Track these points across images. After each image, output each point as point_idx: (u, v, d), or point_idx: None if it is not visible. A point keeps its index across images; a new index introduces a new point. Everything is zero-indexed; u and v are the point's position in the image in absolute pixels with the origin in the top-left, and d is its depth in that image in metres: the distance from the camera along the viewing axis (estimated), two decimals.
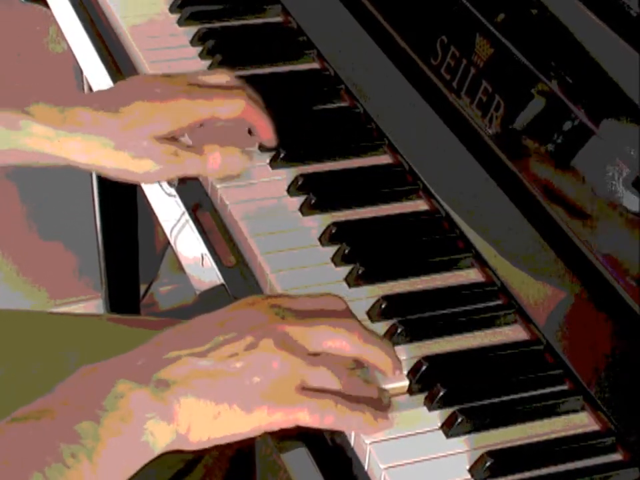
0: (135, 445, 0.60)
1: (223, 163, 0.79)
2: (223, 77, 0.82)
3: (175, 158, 0.78)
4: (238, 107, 0.79)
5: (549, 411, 0.70)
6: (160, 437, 0.61)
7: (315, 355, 0.66)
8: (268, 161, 0.86)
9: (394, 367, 0.68)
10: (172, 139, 0.79)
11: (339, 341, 0.66)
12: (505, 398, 0.70)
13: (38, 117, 0.78)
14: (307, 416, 0.64)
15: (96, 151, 0.78)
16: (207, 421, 0.62)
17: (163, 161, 0.78)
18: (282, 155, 0.86)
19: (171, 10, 1.01)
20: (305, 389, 0.65)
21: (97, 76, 0.98)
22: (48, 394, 0.61)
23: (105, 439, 0.59)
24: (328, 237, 0.80)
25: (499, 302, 0.77)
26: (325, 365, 0.65)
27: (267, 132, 0.82)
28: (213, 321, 0.66)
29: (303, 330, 0.65)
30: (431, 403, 0.69)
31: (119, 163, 0.78)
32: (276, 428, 0.64)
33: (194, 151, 0.79)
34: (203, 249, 0.82)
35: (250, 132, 0.84)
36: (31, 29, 1.42)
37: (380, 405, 0.67)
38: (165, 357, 0.63)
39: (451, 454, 0.67)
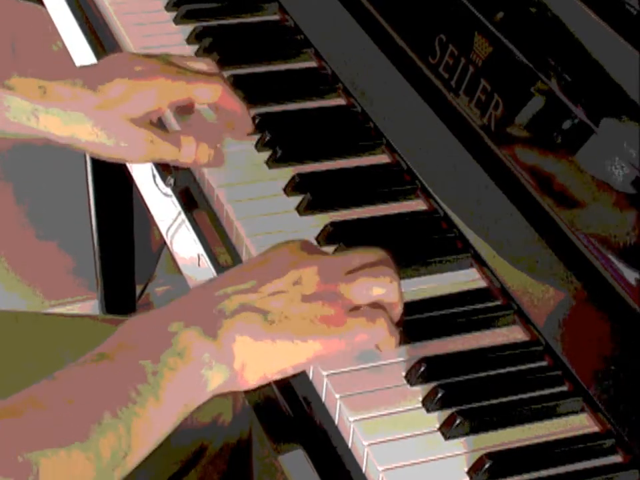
0: (194, 380, 0.62)
1: (198, 159, 0.82)
2: (202, 64, 0.84)
3: (151, 144, 0.80)
4: (215, 92, 0.81)
5: (548, 412, 0.70)
6: (215, 374, 0.62)
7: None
8: (264, 160, 0.86)
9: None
10: (151, 121, 0.81)
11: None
12: (503, 399, 0.70)
13: (18, 90, 0.79)
14: (360, 336, 0.65)
15: (72, 126, 0.79)
16: (262, 356, 0.63)
17: (138, 145, 0.80)
18: (279, 155, 0.86)
19: (167, 8, 1.01)
20: (350, 312, 0.66)
21: None
22: (102, 344, 0.63)
23: (167, 375, 0.61)
24: (325, 237, 0.80)
25: (498, 302, 0.76)
26: (364, 276, 0.67)
27: (244, 119, 0.85)
28: (252, 263, 0.68)
29: (337, 260, 0.68)
30: (429, 405, 0.69)
31: (94, 139, 0.79)
32: (333, 354, 0.65)
33: (170, 141, 0.81)
34: (199, 249, 0.82)
35: None
36: (27, 28, 1.41)
37: None
38: (215, 295, 0.65)
39: (450, 456, 0.67)
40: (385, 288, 0.67)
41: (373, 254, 0.69)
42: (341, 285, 0.66)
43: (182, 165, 0.83)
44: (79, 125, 0.79)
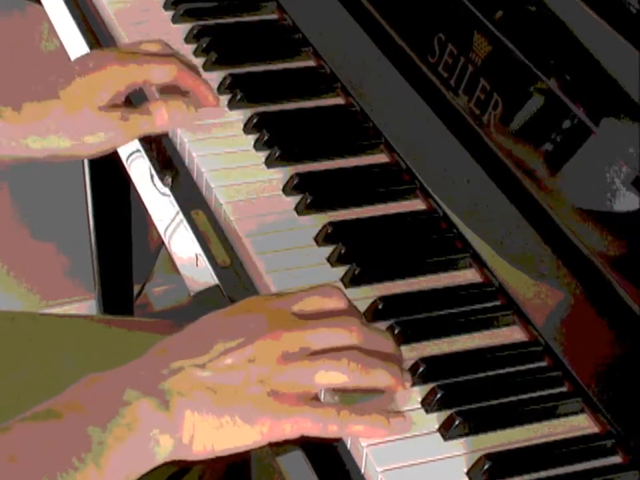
0: (141, 452, 0.61)
1: (169, 117, 0.84)
2: (154, 45, 0.87)
3: (124, 122, 0.83)
4: (170, 71, 0.84)
5: (547, 413, 0.69)
6: (164, 446, 0.62)
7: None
8: (263, 160, 0.86)
9: (398, 382, 0.67)
10: (117, 105, 0.84)
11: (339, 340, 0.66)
12: (503, 400, 0.70)
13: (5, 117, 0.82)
14: (310, 425, 0.64)
15: (51, 142, 0.82)
16: (210, 432, 0.63)
17: (113, 128, 0.82)
18: (277, 154, 0.85)
19: (165, 7, 1.01)
20: (309, 399, 0.65)
21: None
22: (55, 397, 0.62)
23: (112, 445, 0.60)
24: (324, 237, 0.79)
25: (497, 303, 0.76)
26: (327, 359, 0.65)
27: (205, 94, 0.87)
28: (213, 325, 0.67)
29: (302, 335, 0.65)
30: (428, 405, 0.69)
31: (73, 143, 0.83)
32: (280, 439, 0.64)
33: (140, 112, 0.84)
34: (198, 249, 0.82)
35: None
36: (23, 27, 1.41)
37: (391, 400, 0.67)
38: (168, 367, 0.64)
39: (449, 457, 0.67)
40: (345, 375, 0.65)
41: (345, 330, 0.66)
42: (299, 365, 0.64)
43: (160, 130, 0.85)
44: (57, 139, 0.82)
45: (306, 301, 0.68)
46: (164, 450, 0.62)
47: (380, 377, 0.66)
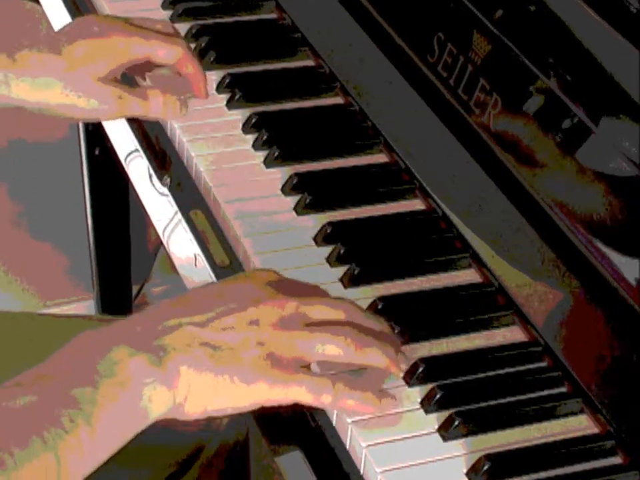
0: (133, 410, 0.60)
1: (164, 108, 0.83)
2: (162, 25, 0.86)
3: (120, 100, 0.82)
4: (175, 53, 0.83)
5: (547, 413, 0.69)
6: (157, 404, 0.61)
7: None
8: (262, 159, 0.86)
9: (393, 363, 0.67)
10: (116, 79, 0.83)
11: (335, 315, 0.66)
12: (502, 400, 0.70)
13: None
14: (304, 393, 0.64)
15: (44, 91, 0.82)
16: (205, 391, 0.62)
17: (107, 101, 0.82)
18: (276, 154, 0.85)
19: (164, 6, 1.01)
20: (306, 367, 0.65)
21: None
22: (46, 359, 0.61)
23: (103, 404, 0.59)
24: (323, 237, 0.79)
25: (497, 302, 0.76)
26: (325, 332, 0.65)
27: (200, 84, 0.86)
28: (214, 291, 0.67)
29: (303, 305, 0.66)
30: (427, 406, 0.69)
31: (65, 101, 0.82)
32: (273, 403, 0.64)
33: (138, 95, 0.83)
34: (196, 249, 0.82)
35: None
36: (22, 26, 1.41)
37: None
38: (165, 324, 0.63)
39: (448, 457, 0.66)
40: (341, 349, 0.65)
41: (341, 310, 0.67)
42: (297, 334, 0.64)
43: (151, 118, 0.85)
44: (50, 89, 0.81)
45: (302, 284, 0.68)
46: (157, 408, 0.61)
47: (375, 356, 0.66)
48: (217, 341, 0.63)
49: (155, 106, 0.83)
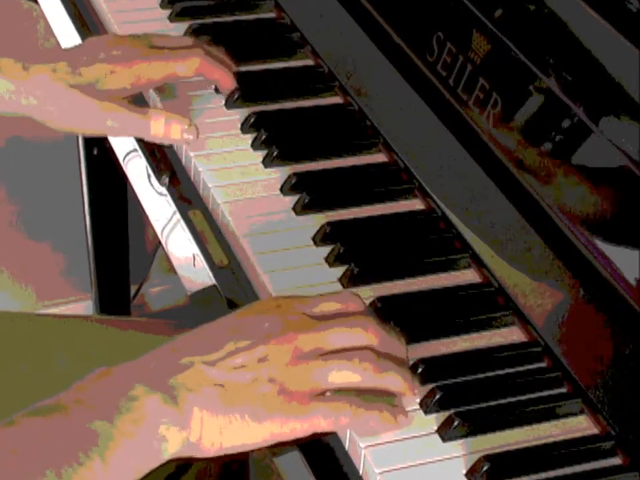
0: (147, 447, 0.61)
1: (166, 129, 0.84)
2: (183, 39, 0.89)
3: (121, 118, 0.83)
4: (191, 65, 0.85)
5: (547, 414, 0.69)
6: (172, 443, 0.61)
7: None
8: (261, 159, 0.86)
9: (408, 386, 0.67)
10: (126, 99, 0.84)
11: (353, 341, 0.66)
12: (502, 401, 0.69)
13: (3, 70, 0.83)
14: (321, 421, 0.64)
15: (50, 108, 0.83)
16: (218, 430, 0.62)
17: (110, 119, 0.83)
18: (275, 154, 0.85)
19: (162, 5, 1.00)
20: (318, 395, 0.64)
21: None
22: (61, 392, 0.61)
23: (118, 440, 0.59)
24: (322, 237, 0.79)
25: (496, 303, 0.76)
26: (340, 359, 0.65)
27: (225, 82, 0.88)
28: (227, 326, 0.66)
29: (316, 337, 0.65)
30: (427, 406, 0.68)
31: (67, 118, 0.83)
32: (291, 438, 0.64)
33: (139, 113, 0.84)
34: (195, 249, 0.81)
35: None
36: (19, 25, 1.41)
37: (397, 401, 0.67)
38: (179, 363, 0.63)
39: (448, 458, 0.66)
40: (359, 374, 0.64)
41: (359, 330, 0.66)
42: (310, 366, 0.64)
43: (154, 139, 0.85)
44: (53, 107, 0.82)
45: (322, 305, 0.67)
46: (172, 446, 0.61)
47: (392, 380, 0.66)
48: (228, 381, 0.63)
49: (157, 127, 0.83)
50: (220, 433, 0.62)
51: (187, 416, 0.62)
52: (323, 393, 0.65)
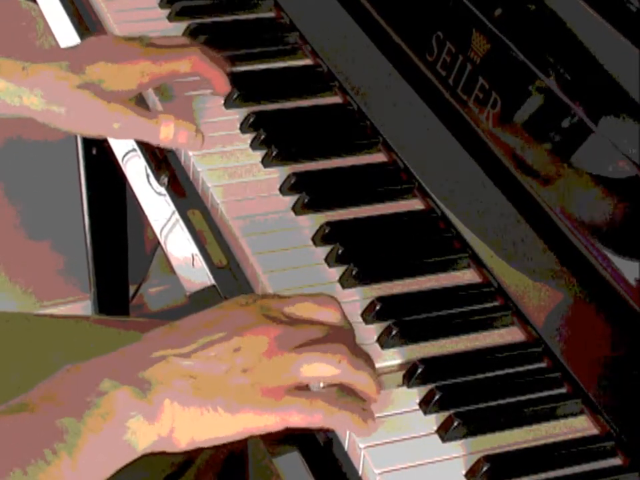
0: (116, 443, 0.60)
1: (175, 135, 0.83)
2: (179, 39, 0.89)
3: (129, 121, 0.82)
4: (191, 62, 0.85)
5: (547, 414, 0.69)
6: (142, 437, 0.61)
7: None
8: (260, 159, 0.85)
9: (377, 390, 0.67)
10: (131, 100, 0.84)
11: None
12: (502, 401, 0.69)
13: (2, 71, 0.82)
14: (295, 416, 0.63)
15: (52, 109, 0.82)
16: (190, 423, 0.62)
17: (118, 122, 0.82)
18: (274, 153, 0.85)
19: (161, 5, 1.00)
20: (292, 390, 0.64)
21: None
22: (30, 390, 0.61)
23: (86, 436, 0.59)
24: (321, 237, 0.79)
25: (496, 303, 0.76)
26: (314, 351, 0.64)
27: (219, 83, 0.88)
28: (200, 320, 0.66)
29: (291, 330, 0.65)
30: (426, 407, 0.68)
31: (71, 119, 0.82)
32: (264, 431, 0.63)
33: (148, 117, 0.83)
34: (194, 249, 0.81)
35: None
36: (18, 25, 1.40)
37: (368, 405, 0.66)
38: (150, 357, 0.63)
39: (447, 458, 0.66)
40: (335, 367, 0.64)
41: (337, 329, 0.66)
42: (284, 357, 0.63)
43: (161, 144, 0.84)
44: (59, 107, 0.81)
45: (299, 305, 0.67)
46: (142, 441, 0.60)
47: (365, 379, 0.65)
48: (201, 372, 0.62)
49: (166, 132, 0.83)
50: (192, 426, 0.61)
51: (157, 408, 0.61)
52: (301, 389, 0.64)
